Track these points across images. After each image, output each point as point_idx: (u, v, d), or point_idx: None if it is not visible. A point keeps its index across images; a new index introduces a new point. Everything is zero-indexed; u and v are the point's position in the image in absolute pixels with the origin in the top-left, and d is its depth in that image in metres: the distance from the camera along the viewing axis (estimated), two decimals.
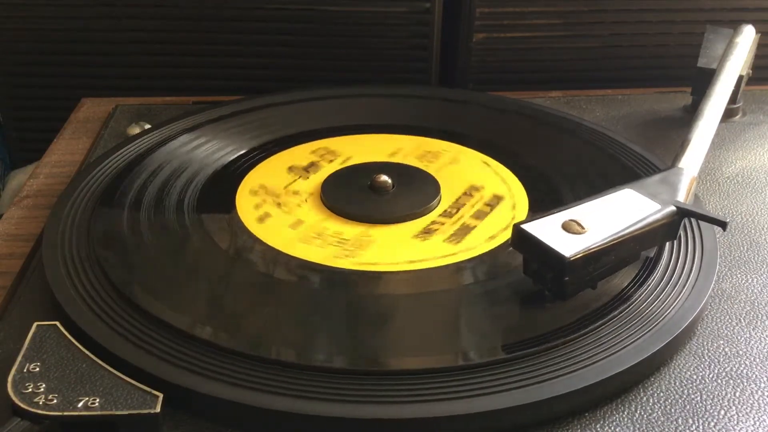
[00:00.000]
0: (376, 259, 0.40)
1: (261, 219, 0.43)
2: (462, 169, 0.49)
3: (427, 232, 0.42)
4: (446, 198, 0.45)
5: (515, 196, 0.46)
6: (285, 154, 0.50)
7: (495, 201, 0.45)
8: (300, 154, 0.50)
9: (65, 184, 0.46)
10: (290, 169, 0.48)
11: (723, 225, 0.37)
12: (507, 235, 0.41)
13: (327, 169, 0.48)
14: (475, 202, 0.45)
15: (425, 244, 0.41)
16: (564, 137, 0.52)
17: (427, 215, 0.44)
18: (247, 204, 0.45)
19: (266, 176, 0.48)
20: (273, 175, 0.48)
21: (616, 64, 0.67)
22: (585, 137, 0.52)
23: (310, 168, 0.49)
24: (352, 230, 0.42)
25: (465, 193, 0.46)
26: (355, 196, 0.45)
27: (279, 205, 0.45)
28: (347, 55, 0.65)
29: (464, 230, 0.42)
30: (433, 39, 0.65)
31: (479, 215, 0.44)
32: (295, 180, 0.47)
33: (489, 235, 0.42)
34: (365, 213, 0.43)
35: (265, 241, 0.41)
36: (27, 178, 0.50)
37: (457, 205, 0.44)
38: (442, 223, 0.43)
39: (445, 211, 0.44)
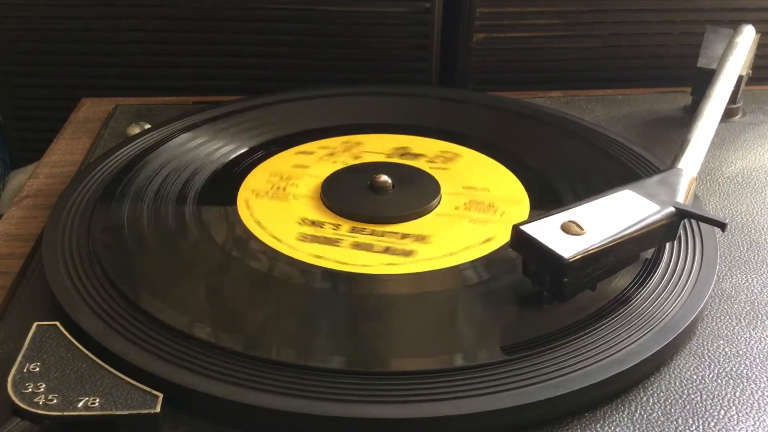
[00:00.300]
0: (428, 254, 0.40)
1: (261, 219, 0.43)
2: (461, 168, 0.49)
3: (455, 217, 0.43)
4: (447, 197, 0.45)
5: (515, 196, 0.46)
6: (285, 154, 0.50)
7: (490, 195, 0.46)
8: (300, 153, 0.50)
9: (65, 184, 0.46)
10: (290, 169, 0.48)
11: (722, 226, 0.37)
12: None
13: (327, 169, 0.48)
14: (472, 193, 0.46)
15: (463, 229, 0.42)
16: (564, 137, 0.52)
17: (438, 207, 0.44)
18: (247, 204, 0.45)
19: (266, 176, 0.48)
20: (273, 175, 0.48)
21: (616, 64, 0.67)
22: (585, 137, 0.52)
23: (310, 168, 0.48)
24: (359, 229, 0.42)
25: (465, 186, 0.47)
26: (355, 196, 0.45)
27: (279, 204, 0.45)
28: (347, 55, 0.65)
29: (484, 206, 0.44)
30: (433, 39, 0.65)
31: (481, 204, 0.45)
32: (295, 180, 0.47)
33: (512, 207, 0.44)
34: (365, 213, 0.43)
35: (265, 241, 0.41)
36: (27, 178, 0.50)
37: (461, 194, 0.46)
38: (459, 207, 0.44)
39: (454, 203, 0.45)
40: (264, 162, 0.49)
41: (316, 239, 0.41)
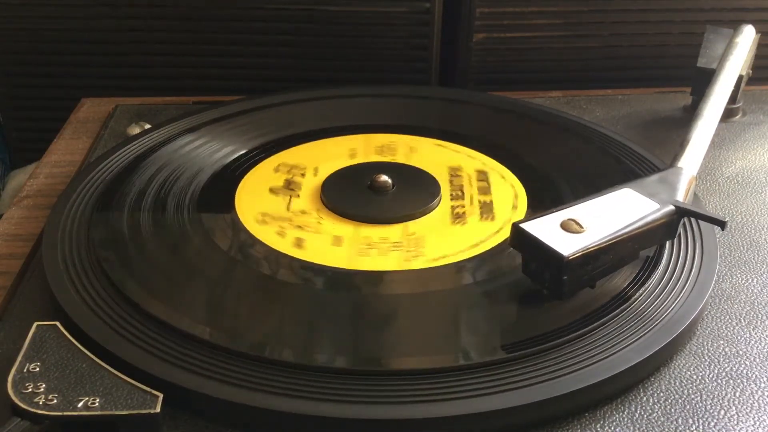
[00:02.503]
0: (441, 252, 0.41)
1: (261, 219, 0.43)
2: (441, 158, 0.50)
3: (458, 216, 0.43)
4: (443, 188, 0.46)
5: (515, 196, 0.46)
6: (285, 154, 0.50)
7: (483, 176, 0.47)
8: (300, 153, 0.50)
9: (65, 184, 0.46)
10: (290, 169, 0.48)
11: (722, 224, 0.37)
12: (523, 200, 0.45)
13: (327, 169, 0.48)
14: (469, 180, 0.46)
15: (468, 227, 0.42)
16: (564, 137, 0.52)
17: (438, 206, 0.44)
18: (247, 204, 0.45)
19: (266, 176, 0.48)
20: (273, 175, 0.48)
21: (616, 64, 0.67)
22: (585, 137, 0.52)
23: (310, 167, 0.48)
24: (361, 229, 0.42)
25: (453, 176, 0.47)
26: (355, 196, 0.45)
27: (279, 204, 0.45)
28: (347, 55, 0.65)
29: (487, 206, 0.44)
30: (433, 39, 0.65)
31: (484, 190, 0.45)
32: (295, 180, 0.47)
33: (510, 204, 0.44)
34: (365, 213, 0.43)
35: (264, 241, 0.41)
36: (27, 178, 0.50)
37: (458, 188, 0.46)
38: (462, 206, 0.44)
39: (452, 195, 0.45)
40: (264, 162, 0.49)
41: (315, 239, 0.41)
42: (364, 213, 0.43)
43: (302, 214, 0.44)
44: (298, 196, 0.46)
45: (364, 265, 0.39)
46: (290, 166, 0.49)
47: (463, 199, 0.45)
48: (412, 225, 0.43)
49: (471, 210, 0.44)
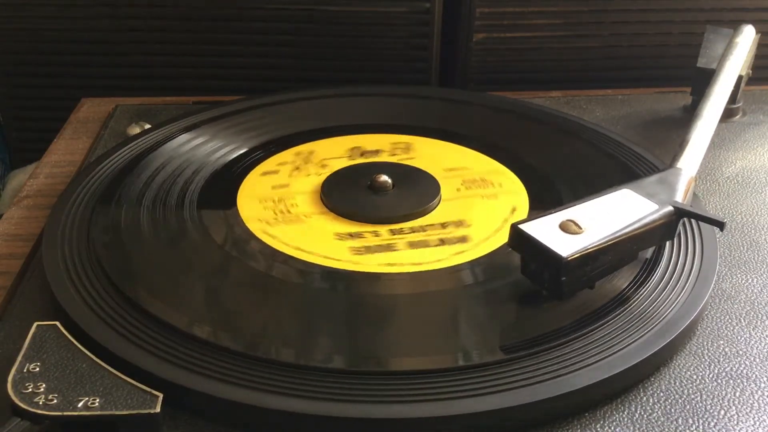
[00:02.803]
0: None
1: (261, 218, 0.43)
2: (424, 154, 0.50)
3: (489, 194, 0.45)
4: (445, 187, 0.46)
5: (515, 195, 0.46)
6: (285, 154, 0.50)
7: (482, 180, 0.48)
8: (300, 153, 0.50)
9: (65, 184, 0.46)
10: (291, 169, 0.48)
11: (721, 225, 0.37)
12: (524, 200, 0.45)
13: (327, 169, 0.48)
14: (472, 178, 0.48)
15: (498, 200, 0.45)
16: (564, 137, 0.52)
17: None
18: (247, 203, 0.45)
19: (266, 176, 0.48)
20: (273, 175, 0.48)
21: (616, 64, 0.67)
22: (585, 137, 0.52)
23: (310, 167, 0.49)
24: (364, 229, 0.42)
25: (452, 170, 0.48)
26: (355, 195, 0.45)
27: (279, 204, 0.45)
28: (347, 55, 0.65)
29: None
30: (433, 39, 0.65)
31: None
32: (295, 180, 0.47)
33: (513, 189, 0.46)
34: (365, 213, 0.43)
35: (265, 240, 0.41)
36: (27, 178, 0.50)
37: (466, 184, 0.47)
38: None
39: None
40: (264, 162, 0.49)
41: (371, 249, 0.41)
42: (364, 213, 0.43)
43: (302, 214, 0.44)
44: (298, 196, 0.46)
45: (428, 258, 0.40)
46: (290, 165, 0.49)
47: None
48: (439, 214, 0.44)
49: (472, 192, 0.46)
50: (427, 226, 0.43)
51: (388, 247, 0.41)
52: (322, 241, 0.41)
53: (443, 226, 0.43)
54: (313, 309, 0.37)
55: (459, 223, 0.43)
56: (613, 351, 0.33)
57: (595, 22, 0.65)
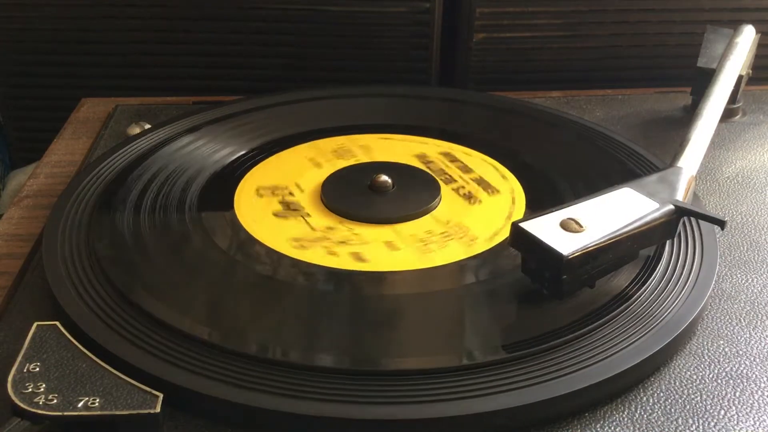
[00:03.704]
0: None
1: (261, 219, 0.43)
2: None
3: (469, 196, 0.45)
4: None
5: (515, 195, 0.46)
6: (285, 154, 0.50)
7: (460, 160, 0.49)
8: (300, 153, 0.50)
9: (65, 184, 0.46)
10: (290, 169, 0.48)
11: (721, 224, 0.37)
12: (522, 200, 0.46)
13: (327, 169, 0.48)
14: (454, 165, 0.49)
15: (484, 206, 0.45)
16: (564, 137, 0.52)
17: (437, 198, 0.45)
18: (247, 204, 0.45)
19: (266, 177, 0.48)
20: (273, 176, 0.48)
21: (616, 64, 0.67)
22: (585, 137, 0.52)
23: (309, 167, 0.48)
24: (364, 230, 0.42)
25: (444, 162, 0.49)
26: (354, 196, 0.45)
27: (279, 204, 0.45)
28: (347, 55, 0.65)
29: (486, 184, 0.46)
30: (433, 39, 0.65)
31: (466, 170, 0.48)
32: (295, 180, 0.47)
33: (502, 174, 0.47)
34: (365, 213, 0.43)
35: (264, 241, 0.41)
36: (27, 178, 0.50)
37: (446, 174, 0.48)
38: (463, 186, 0.46)
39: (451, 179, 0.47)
40: (264, 162, 0.49)
41: (371, 249, 0.41)
42: (364, 213, 0.43)
43: (302, 215, 0.44)
44: (298, 196, 0.46)
45: (440, 255, 0.40)
46: (290, 166, 0.49)
47: (456, 181, 0.47)
48: (442, 213, 0.44)
49: (473, 188, 0.46)
50: (427, 226, 0.43)
51: (388, 247, 0.41)
52: (321, 239, 0.41)
53: (443, 226, 0.43)
54: (314, 309, 0.37)
55: (459, 223, 0.43)
56: (613, 351, 0.33)
57: (595, 22, 0.65)
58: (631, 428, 0.31)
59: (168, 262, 0.40)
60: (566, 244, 0.34)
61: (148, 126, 0.54)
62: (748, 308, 0.38)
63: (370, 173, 0.46)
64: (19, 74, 0.65)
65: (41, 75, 0.65)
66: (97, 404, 0.29)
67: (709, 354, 0.35)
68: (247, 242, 0.41)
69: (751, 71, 0.58)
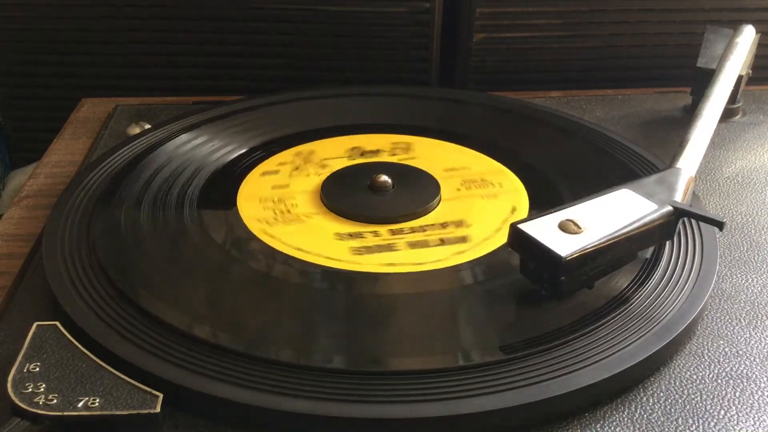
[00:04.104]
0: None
1: (261, 219, 0.43)
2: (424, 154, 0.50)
3: (469, 196, 0.45)
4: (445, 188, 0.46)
5: (515, 195, 0.46)
6: (284, 154, 0.50)
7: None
8: (299, 153, 0.50)
9: (65, 184, 0.46)
10: (291, 169, 0.48)
11: (720, 225, 0.37)
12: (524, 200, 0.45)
13: (327, 169, 0.48)
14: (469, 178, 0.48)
15: (484, 206, 0.44)
16: (564, 137, 0.52)
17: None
18: (247, 203, 0.45)
19: (266, 176, 0.48)
20: (273, 176, 0.48)
21: (616, 64, 0.67)
22: (585, 137, 0.52)
23: (309, 167, 0.48)
24: (367, 230, 0.42)
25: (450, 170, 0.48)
26: (354, 195, 0.45)
27: (279, 204, 0.45)
28: (347, 55, 0.65)
29: (485, 184, 0.46)
30: (433, 39, 0.65)
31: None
32: (295, 180, 0.47)
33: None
34: (365, 213, 0.43)
35: (265, 241, 0.41)
36: (27, 178, 0.50)
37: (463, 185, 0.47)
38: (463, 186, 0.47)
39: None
40: (264, 162, 0.49)
41: (371, 249, 0.41)
42: (364, 213, 0.43)
43: (302, 214, 0.44)
44: (299, 195, 0.46)
45: (429, 258, 0.40)
46: (290, 166, 0.49)
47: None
48: (439, 214, 0.44)
49: (471, 192, 0.46)
50: (427, 226, 0.43)
51: (388, 247, 0.41)
52: (322, 241, 0.41)
53: (443, 226, 0.43)
54: (313, 309, 0.37)
55: (459, 223, 0.43)
56: (613, 351, 0.33)
57: (595, 22, 0.65)
58: (631, 428, 0.31)
59: (168, 261, 0.40)
60: (565, 246, 0.34)
61: (148, 126, 0.54)
62: (748, 308, 0.38)
63: (370, 173, 0.46)
64: (19, 74, 0.65)
65: (41, 75, 0.65)
66: (97, 404, 0.30)
67: (709, 354, 0.35)
68: (247, 241, 0.41)
69: (751, 71, 0.58)
